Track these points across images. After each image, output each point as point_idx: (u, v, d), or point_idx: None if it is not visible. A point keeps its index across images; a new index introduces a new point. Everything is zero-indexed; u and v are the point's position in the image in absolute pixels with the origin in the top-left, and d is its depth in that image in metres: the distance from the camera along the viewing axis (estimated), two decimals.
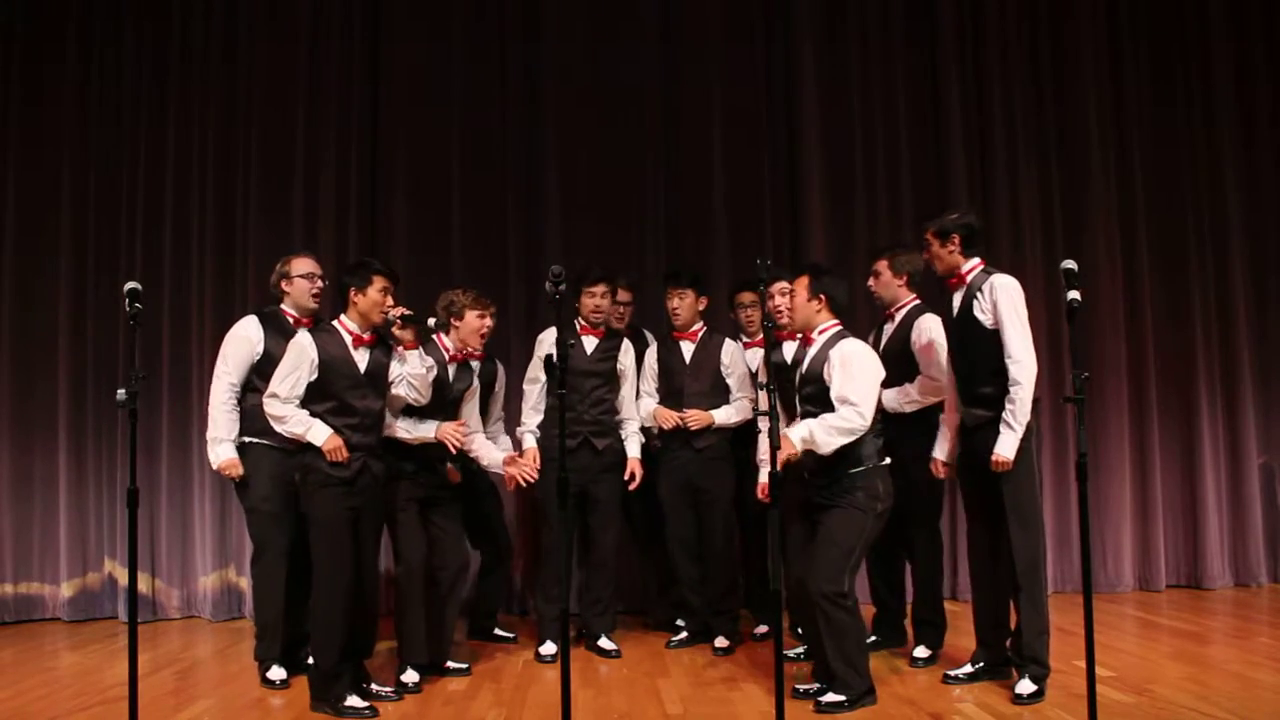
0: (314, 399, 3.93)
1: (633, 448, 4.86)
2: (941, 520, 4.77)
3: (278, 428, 3.96)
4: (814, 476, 3.88)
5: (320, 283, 4.46)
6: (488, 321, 4.45)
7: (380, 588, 4.67)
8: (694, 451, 4.84)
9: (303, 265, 4.44)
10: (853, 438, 3.78)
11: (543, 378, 4.78)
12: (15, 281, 5.89)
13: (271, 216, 5.83)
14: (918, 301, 4.59)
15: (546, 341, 4.80)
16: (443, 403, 4.34)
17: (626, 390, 4.89)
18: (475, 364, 4.71)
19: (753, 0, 6.20)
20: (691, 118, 6.14)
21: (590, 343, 4.82)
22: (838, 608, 3.79)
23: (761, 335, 4.31)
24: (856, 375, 3.81)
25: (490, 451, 4.56)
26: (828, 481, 3.86)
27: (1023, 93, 6.19)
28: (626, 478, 4.82)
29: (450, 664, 4.41)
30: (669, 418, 4.84)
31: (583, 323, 4.84)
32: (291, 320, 4.39)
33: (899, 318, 4.55)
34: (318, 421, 3.91)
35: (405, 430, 4.23)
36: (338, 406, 3.93)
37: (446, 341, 4.41)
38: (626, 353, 4.91)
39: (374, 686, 4.06)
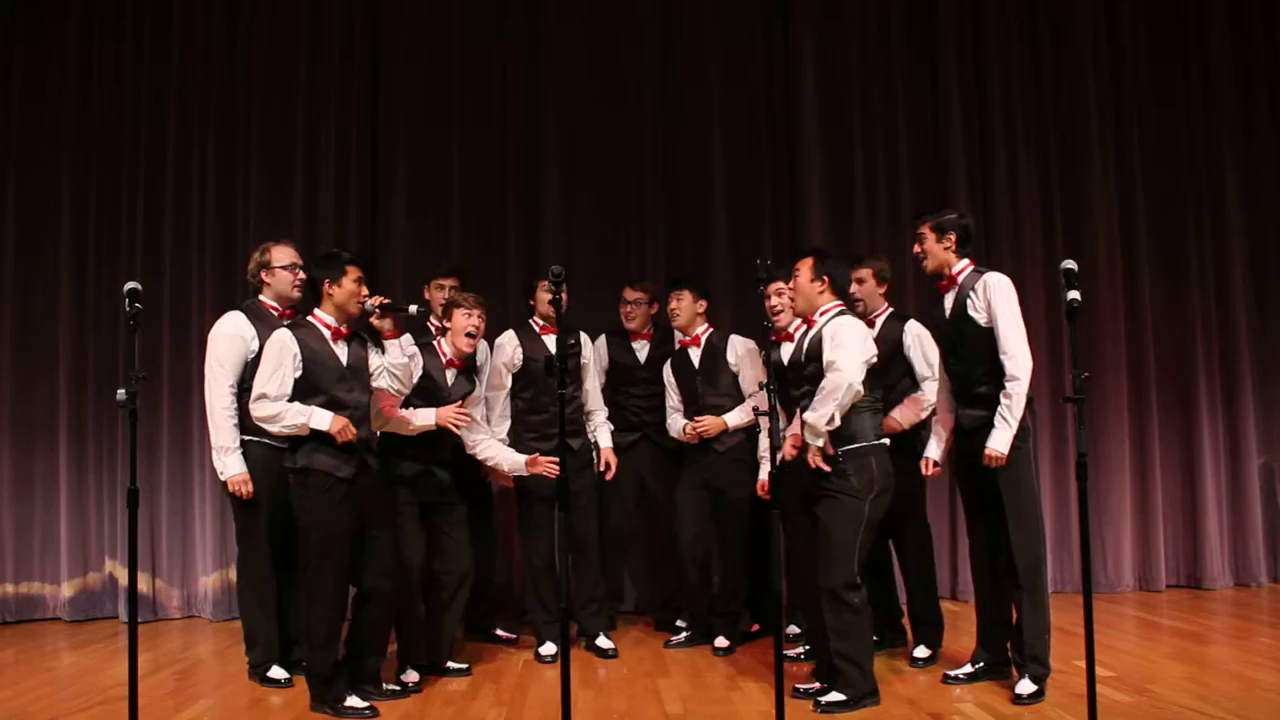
0: (302, 396, 3.82)
1: (603, 438, 4.92)
2: (928, 517, 4.77)
3: (273, 428, 3.80)
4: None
5: (302, 274, 4.32)
6: (474, 321, 4.37)
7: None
8: (715, 454, 4.84)
9: (284, 255, 4.33)
10: (843, 394, 3.72)
11: (508, 384, 4.78)
12: (15, 281, 5.89)
13: (271, 216, 5.82)
14: (892, 309, 4.64)
15: (507, 348, 4.79)
16: (440, 406, 4.31)
17: (590, 384, 4.93)
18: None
19: (752, 0, 6.21)
20: (691, 118, 6.14)
21: (551, 340, 4.80)
22: (844, 605, 3.77)
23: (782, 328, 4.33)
24: (843, 341, 3.79)
25: (505, 454, 4.46)
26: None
27: (1023, 93, 6.19)
28: (601, 469, 4.85)
29: (450, 664, 4.41)
30: (690, 434, 4.84)
31: (541, 322, 4.84)
32: (276, 313, 4.29)
33: (879, 324, 4.58)
34: (315, 407, 3.80)
35: (410, 425, 4.21)
36: (328, 401, 3.83)
37: (445, 346, 4.39)
38: (586, 346, 4.95)
39: (387, 686, 4.06)
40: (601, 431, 4.95)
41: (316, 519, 3.81)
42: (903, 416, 4.48)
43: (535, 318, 4.89)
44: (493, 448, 4.49)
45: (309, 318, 3.95)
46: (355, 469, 3.86)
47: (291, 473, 3.86)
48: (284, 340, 3.83)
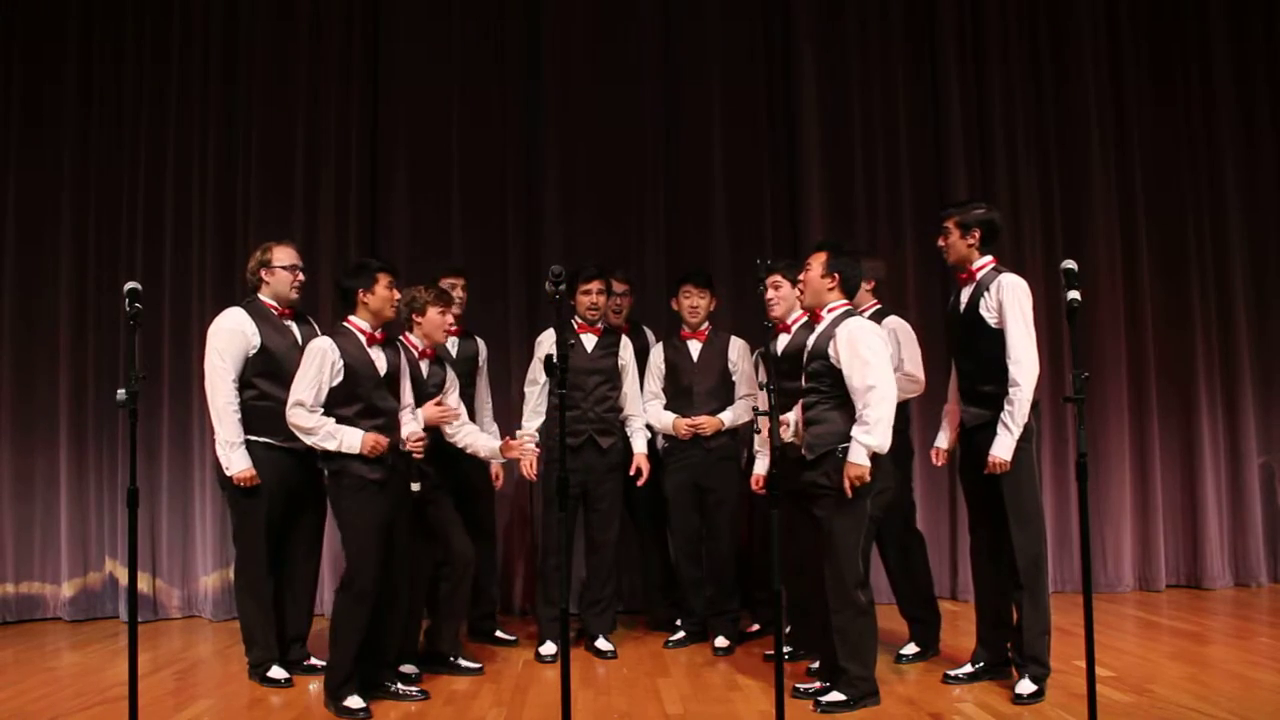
0: (340, 403, 3.88)
1: (639, 443, 4.84)
2: (929, 517, 4.76)
3: (306, 440, 3.88)
4: (809, 450, 3.85)
5: (301, 275, 4.37)
6: (449, 319, 4.42)
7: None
8: (704, 451, 4.84)
9: (285, 255, 4.35)
10: (893, 414, 3.76)
11: (543, 379, 4.77)
12: (16, 282, 5.89)
13: (272, 216, 5.82)
14: (879, 306, 4.59)
15: (546, 343, 4.79)
16: (419, 401, 4.31)
17: (629, 386, 4.87)
18: (454, 341, 4.73)
19: (753, 1, 6.21)
20: (691, 118, 6.14)
21: (590, 340, 4.82)
22: (850, 604, 3.77)
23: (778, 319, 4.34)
24: (869, 358, 3.76)
25: (482, 441, 4.51)
26: (818, 457, 3.82)
27: (1023, 93, 6.18)
28: (633, 473, 4.81)
29: (463, 661, 4.43)
30: (685, 431, 4.83)
31: (580, 321, 4.84)
32: (276, 312, 4.30)
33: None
34: (344, 428, 3.86)
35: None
36: (365, 409, 3.90)
37: (414, 339, 4.40)
38: (626, 348, 4.91)
39: (399, 687, 4.06)
40: (638, 437, 4.85)
41: (352, 518, 3.87)
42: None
43: (575, 317, 4.87)
44: (470, 435, 4.51)
45: (345, 324, 4.00)
46: (386, 473, 3.91)
47: (329, 474, 3.94)
48: (325, 349, 3.90)
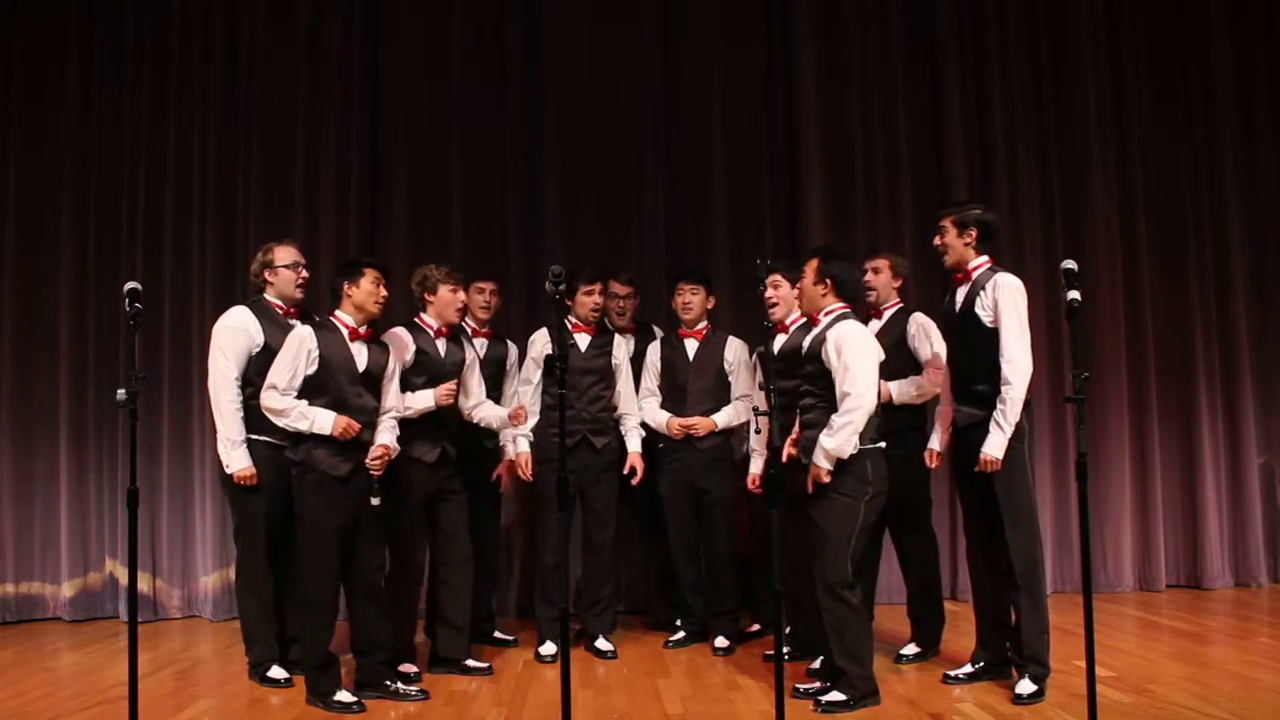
0: (311, 394, 3.91)
1: (633, 442, 4.85)
2: (932, 518, 4.76)
3: (277, 421, 3.92)
4: (804, 453, 3.85)
5: (304, 272, 4.39)
6: (461, 295, 4.42)
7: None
8: (698, 452, 4.84)
9: (287, 254, 4.36)
10: (863, 423, 3.74)
11: (536, 379, 4.78)
12: (16, 281, 5.89)
13: (272, 216, 5.82)
14: (902, 304, 4.63)
15: (539, 343, 4.79)
16: (437, 380, 4.32)
17: (623, 385, 4.88)
18: (481, 342, 4.72)
19: (753, 1, 6.21)
20: (691, 118, 6.14)
21: (584, 340, 4.82)
22: (841, 602, 3.78)
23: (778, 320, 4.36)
24: (850, 364, 3.76)
25: (494, 412, 4.54)
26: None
27: (1023, 93, 6.19)
28: (626, 472, 4.82)
29: (470, 662, 4.43)
30: (678, 430, 4.83)
31: (575, 320, 4.84)
32: (281, 311, 4.32)
33: (886, 316, 4.57)
34: (317, 410, 3.87)
35: (407, 406, 4.21)
36: (332, 401, 3.90)
37: (428, 319, 4.41)
38: (620, 347, 4.92)
39: (399, 686, 4.05)
40: (632, 436, 4.86)
41: (310, 512, 3.89)
42: (896, 392, 4.44)
43: (571, 317, 4.86)
44: (484, 409, 4.55)
45: (331, 318, 4.03)
46: (351, 470, 3.90)
47: (293, 464, 3.95)
48: (302, 336, 3.94)
